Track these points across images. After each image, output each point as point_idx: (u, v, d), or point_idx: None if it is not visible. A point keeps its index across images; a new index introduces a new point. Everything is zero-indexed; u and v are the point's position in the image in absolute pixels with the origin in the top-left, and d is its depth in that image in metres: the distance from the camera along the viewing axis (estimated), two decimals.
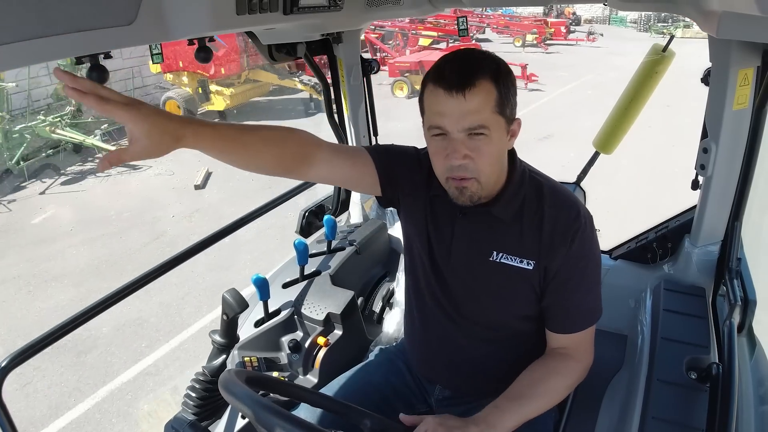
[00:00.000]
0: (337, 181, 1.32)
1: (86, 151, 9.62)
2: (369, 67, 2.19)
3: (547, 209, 1.16)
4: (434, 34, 15.40)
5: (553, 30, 19.84)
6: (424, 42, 15.34)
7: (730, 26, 1.17)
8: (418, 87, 9.25)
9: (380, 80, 12.71)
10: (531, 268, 1.16)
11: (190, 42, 1.37)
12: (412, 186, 1.27)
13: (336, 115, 2.25)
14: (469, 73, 1.02)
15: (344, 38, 2.04)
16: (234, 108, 11.68)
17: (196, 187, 8.21)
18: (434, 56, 12.55)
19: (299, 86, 11.83)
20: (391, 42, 16.27)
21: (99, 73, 1.06)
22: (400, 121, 8.09)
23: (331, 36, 2.01)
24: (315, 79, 10.51)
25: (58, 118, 9.33)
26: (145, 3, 0.97)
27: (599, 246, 1.22)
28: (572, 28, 22.37)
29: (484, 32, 19.44)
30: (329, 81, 2.19)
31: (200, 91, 11.51)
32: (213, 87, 11.57)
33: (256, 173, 1.15)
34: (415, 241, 1.31)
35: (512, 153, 1.21)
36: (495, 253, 1.19)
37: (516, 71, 11.82)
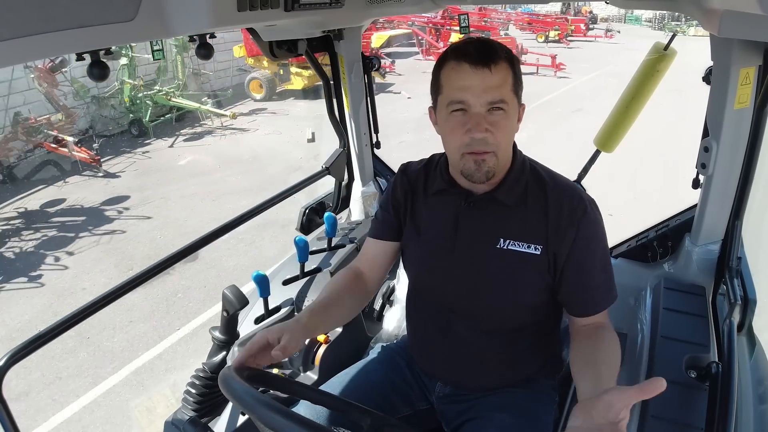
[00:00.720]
0: (386, 271, 1.44)
1: (187, 118, 12.08)
2: (370, 64, 2.19)
3: (551, 194, 1.19)
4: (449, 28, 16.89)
5: (573, 27, 21.29)
6: (455, 36, 16.19)
7: (731, 25, 1.17)
8: None
9: (425, 69, 14.63)
10: (539, 253, 1.18)
11: (191, 38, 1.37)
12: (406, 206, 1.34)
13: (337, 113, 2.25)
14: (492, 51, 1.10)
15: (345, 35, 2.04)
16: (308, 88, 13.62)
17: (309, 141, 10.29)
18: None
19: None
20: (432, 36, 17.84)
21: (100, 70, 1.06)
22: (408, 99, 12.44)
23: (332, 33, 2.01)
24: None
25: (172, 89, 11.48)
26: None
27: (605, 229, 1.23)
28: (590, 26, 23.72)
29: (507, 29, 20.73)
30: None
31: (281, 73, 13.52)
32: (293, 69, 13.24)
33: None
34: (414, 241, 1.32)
35: (513, 143, 1.25)
36: (501, 240, 1.20)
37: (546, 61, 14.28)
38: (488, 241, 1.21)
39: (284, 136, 10.89)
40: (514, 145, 1.25)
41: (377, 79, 12.33)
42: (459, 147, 1.14)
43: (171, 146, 10.71)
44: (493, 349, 1.29)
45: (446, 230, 1.26)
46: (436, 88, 1.18)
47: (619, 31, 23.46)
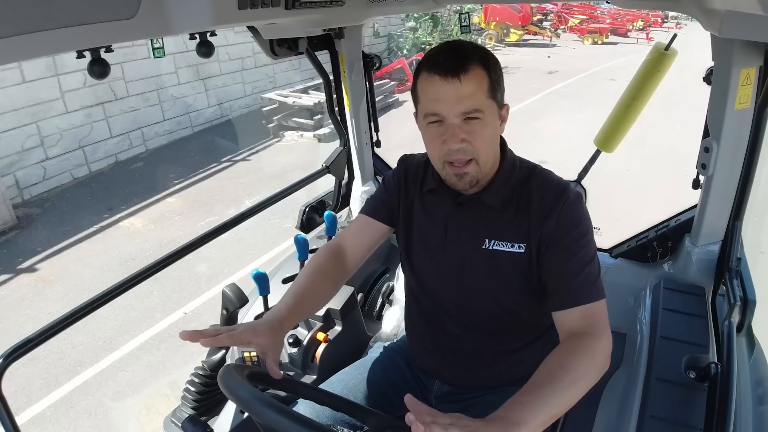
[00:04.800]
0: (369, 252, 1.41)
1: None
2: (371, 63, 2.18)
3: (535, 189, 1.18)
4: (583, 16, 22.80)
5: (653, 20, 27.31)
6: (573, 21, 22.62)
7: (733, 25, 1.17)
8: (596, 40, 21.00)
9: (566, 39, 21.51)
10: (523, 251, 1.17)
11: (192, 36, 1.36)
12: (399, 198, 1.34)
13: (337, 111, 2.24)
14: (463, 60, 1.06)
15: (346, 33, 2.03)
16: (518, 41, 20.32)
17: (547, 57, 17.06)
18: (602, 25, 21.98)
19: (547, 33, 21.32)
20: (549, 20, 23.62)
21: (100, 67, 1.06)
22: (574, 49, 19.26)
23: (333, 31, 2.00)
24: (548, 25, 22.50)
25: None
26: None
27: (591, 226, 1.20)
28: (664, 20, 29.54)
29: (598, 21, 24.67)
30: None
31: (504, 32, 19.98)
32: (512, 30, 20.15)
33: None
34: (408, 237, 1.33)
35: (503, 143, 1.24)
36: (487, 240, 1.20)
37: (642, 35, 22.01)
38: (475, 242, 1.21)
39: (530, 56, 17.13)
40: (504, 145, 1.24)
41: (553, 38, 21.10)
42: (439, 157, 1.14)
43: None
44: (488, 347, 1.29)
45: (437, 230, 1.27)
46: (415, 97, 1.17)
47: (686, 24, 28.03)
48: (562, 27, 22.84)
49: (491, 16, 19.27)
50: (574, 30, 22.63)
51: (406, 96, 10.38)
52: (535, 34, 21.33)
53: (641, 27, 25.32)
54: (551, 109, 10.21)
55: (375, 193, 1.43)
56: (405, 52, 13.76)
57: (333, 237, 1.42)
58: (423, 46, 14.15)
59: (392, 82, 11.69)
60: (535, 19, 21.94)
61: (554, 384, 0.95)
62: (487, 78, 1.08)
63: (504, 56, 16.71)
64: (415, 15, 14.10)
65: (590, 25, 22.36)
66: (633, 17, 26.12)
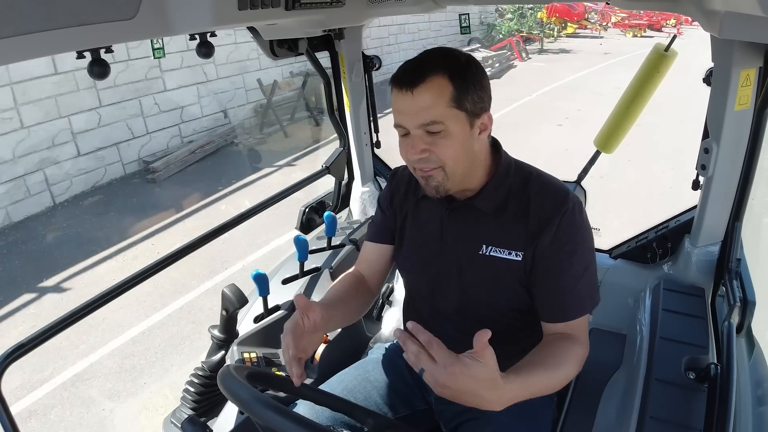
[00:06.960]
0: (386, 274, 1.45)
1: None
2: (371, 64, 2.18)
3: (533, 196, 1.16)
4: (623, 14, 24.89)
5: (684, 20, 30.15)
6: (615, 18, 25.28)
7: (732, 26, 1.17)
8: (636, 33, 24.25)
9: (610, 33, 24.68)
10: (520, 259, 1.15)
11: (192, 37, 1.36)
12: (395, 214, 1.36)
13: (337, 112, 2.25)
14: (419, 71, 1.05)
15: (346, 34, 2.04)
16: (573, 33, 23.52)
17: (600, 44, 19.68)
18: (640, 22, 24.80)
19: (598, 27, 24.58)
20: (594, 17, 26.13)
21: (100, 68, 1.06)
22: (618, 40, 22.02)
23: (333, 32, 2.01)
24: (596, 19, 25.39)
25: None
26: None
27: (591, 233, 1.19)
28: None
29: (636, 18, 27.50)
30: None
31: (561, 25, 22.65)
32: (569, 24, 22.92)
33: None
34: (402, 246, 1.33)
35: (497, 146, 1.22)
36: (484, 246, 1.19)
37: (673, 31, 22.08)
38: (472, 247, 1.20)
39: (585, 45, 20.14)
40: (500, 149, 1.22)
41: (601, 32, 24.24)
42: (409, 165, 1.16)
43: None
44: None
45: (433, 235, 1.26)
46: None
47: None
48: (605, 23, 25.94)
49: (552, 13, 22.63)
50: (617, 25, 26.09)
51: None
52: (586, 28, 24.58)
53: (673, 24, 27.85)
54: (610, 71, 14.43)
55: (374, 217, 1.45)
56: (501, 36, 18.48)
57: (351, 267, 1.46)
58: (512, 32, 18.81)
59: (508, 53, 16.84)
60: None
61: (541, 364, 1.01)
62: (450, 87, 1.05)
63: (566, 43, 21.21)
64: (511, 9, 18.46)
65: (631, 21, 25.49)
66: (666, 16, 28.68)
